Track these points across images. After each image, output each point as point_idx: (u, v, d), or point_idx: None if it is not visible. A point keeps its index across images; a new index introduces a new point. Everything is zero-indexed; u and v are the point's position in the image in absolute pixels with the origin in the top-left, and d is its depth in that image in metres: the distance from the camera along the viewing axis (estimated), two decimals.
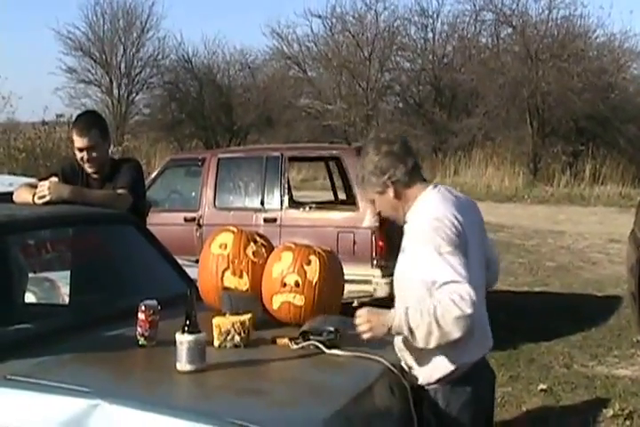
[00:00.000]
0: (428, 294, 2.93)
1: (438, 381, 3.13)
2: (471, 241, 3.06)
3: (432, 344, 2.94)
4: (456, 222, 3.02)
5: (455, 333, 2.88)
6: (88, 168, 4.63)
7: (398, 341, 3.19)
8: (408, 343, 3.10)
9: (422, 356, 3.12)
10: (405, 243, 3.15)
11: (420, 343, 2.96)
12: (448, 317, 2.86)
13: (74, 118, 5.00)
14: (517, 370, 7.01)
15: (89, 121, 4.75)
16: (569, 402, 6.26)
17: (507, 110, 27.79)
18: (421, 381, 3.17)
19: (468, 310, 2.84)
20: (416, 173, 3.21)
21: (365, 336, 3.09)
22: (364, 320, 3.08)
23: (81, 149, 4.59)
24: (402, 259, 3.18)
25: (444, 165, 26.30)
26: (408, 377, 3.20)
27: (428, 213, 3.07)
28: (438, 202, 3.13)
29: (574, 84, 26.08)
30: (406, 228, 3.17)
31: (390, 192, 3.19)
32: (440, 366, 3.10)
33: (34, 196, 4.13)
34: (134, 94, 35.29)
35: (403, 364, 3.23)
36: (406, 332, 2.96)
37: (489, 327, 3.29)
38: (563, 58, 26.73)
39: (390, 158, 3.16)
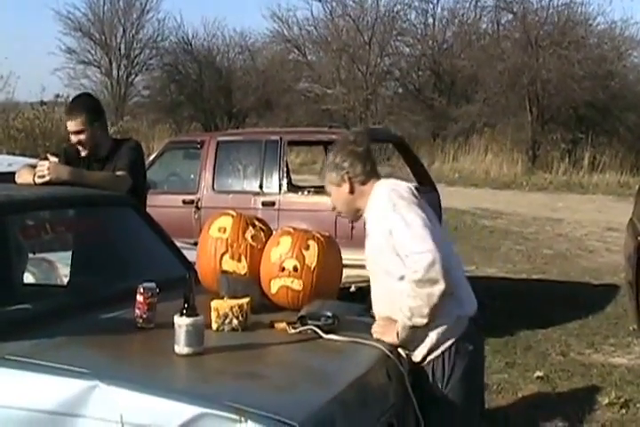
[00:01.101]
0: (401, 263, 3.15)
1: (440, 344, 3.23)
2: (427, 210, 3.27)
3: (429, 309, 3.11)
4: (410, 191, 3.29)
5: (439, 287, 3.06)
6: (81, 151, 4.64)
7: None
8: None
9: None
10: (369, 226, 3.39)
11: (424, 315, 3.13)
12: (421, 297, 3.09)
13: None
14: (514, 357, 7.03)
15: (78, 105, 4.75)
16: (565, 390, 6.28)
17: (506, 97, 27.74)
18: (425, 351, 3.25)
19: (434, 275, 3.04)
20: (373, 173, 3.46)
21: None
22: (376, 329, 3.31)
23: (72, 133, 4.64)
24: (368, 242, 3.39)
25: (443, 151, 26.27)
26: (404, 361, 3.22)
27: (384, 190, 3.32)
28: (392, 183, 3.38)
29: (574, 71, 26.03)
30: (366, 216, 3.42)
31: (346, 187, 3.43)
32: (443, 317, 3.20)
33: (34, 176, 4.12)
34: (133, 76, 35.30)
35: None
36: (411, 320, 3.16)
37: (471, 291, 3.42)
38: (563, 45, 26.68)
39: (352, 158, 3.43)
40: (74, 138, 4.63)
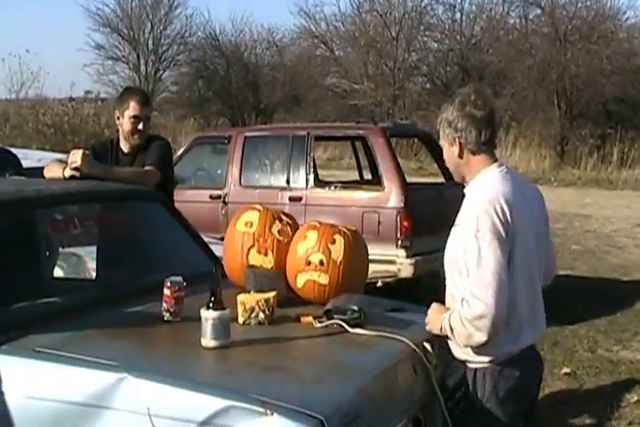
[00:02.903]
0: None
1: (483, 361, 3.09)
2: (522, 229, 3.01)
3: (466, 344, 3.01)
4: (506, 208, 2.97)
5: (479, 336, 2.93)
6: (136, 139, 4.71)
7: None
8: None
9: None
10: (459, 220, 3.09)
11: (460, 343, 3.03)
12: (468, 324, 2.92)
13: (124, 91, 5.07)
14: (541, 353, 6.83)
15: (147, 95, 4.99)
16: (592, 386, 6.24)
17: (534, 92, 27.59)
18: (467, 358, 3.14)
19: (482, 329, 2.89)
20: (488, 145, 3.15)
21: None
22: (427, 319, 3.17)
23: (137, 118, 4.68)
24: (453, 237, 3.11)
25: None
26: (430, 355, 3.20)
27: (483, 195, 3.04)
28: (497, 183, 3.09)
29: (603, 66, 25.84)
30: (464, 203, 3.13)
31: (455, 150, 3.16)
32: (488, 348, 3.03)
33: (64, 170, 4.15)
34: (161, 71, 35.48)
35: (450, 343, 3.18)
36: (449, 334, 3.02)
37: (541, 314, 3.27)
38: (592, 40, 26.48)
39: (468, 121, 3.10)
40: (137, 124, 4.67)
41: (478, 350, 3.05)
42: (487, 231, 2.91)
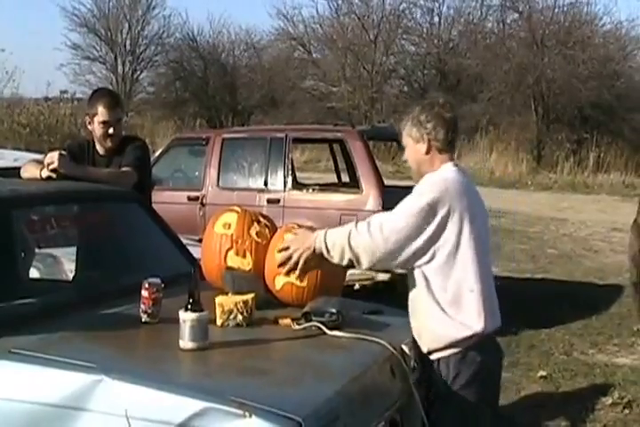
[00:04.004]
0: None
1: (448, 347, 3.19)
2: (473, 215, 3.19)
3: (345, 262, 3.24)
4: (455, 190, 3.18)
5: (364, 260, 3.19)
6: (109, 142, 4.65)
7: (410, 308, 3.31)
8: (414, 310, 3.28)
9: (432, 317, 3.21)
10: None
11: (336, 261, 3.25)
12: (359, 240, 3.17)
13: (93, 94, 4.95)
14: (517, 356, 7.03)
15: (116, 96, 4.85)
16: (568, 389, 6.28)
17: (511, 96, 27.73)
18: (430, 347, 3.23)
19: (380, 244, 3.14)
20: (451, 146, 3.36)
21: (291, 262, 3.36)
22: (286, 246, 3.39)
23: (107, 123, 4.61)
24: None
25: None
26: (409, 358, 3.22)
27: (440, 176, 3.26)
28: (456, 173, 3.29)
29: (580, 71, 26.03)
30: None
31: (423, 147, 3.32)
32: (449, 329, 3.18)
33: (41, 170, 4.12)
34: (139, 72, 35.35)
35: (414, 334, 3.29)
36: (324, 251, 3.26)
37: (497, 306, 3.36)
38: (568, 45, 26.68)
39: (437, 121, 3.30)
40: (108, 129, 4.60)
41: (439, 339, 3.19)
42: (427, 197, 3.13)
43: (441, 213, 3.12)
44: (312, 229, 3.50)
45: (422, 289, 3.21)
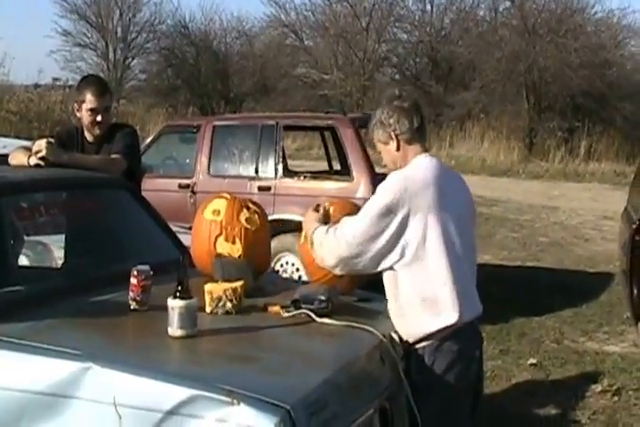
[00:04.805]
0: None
1: (423, 339, 3.21)
2: (439, 210, 3.19)
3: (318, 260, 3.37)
4: (419, 187, 3.18)
5: (329, 261, 3.30)
6: (97, 130, 4.63)
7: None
8: (390, 307, 3.30)
9: (405, 314, 3.23)
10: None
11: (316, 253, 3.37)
12: (326, 242, 3.28)
13: (81, 81, 4.92)
14: (508, 344, 7.04)
15: (104, 84, 4.79)
16: (558, 377, 6.29)
17: (503, 84, 27.67)
18: (406, 338, 3.25)
19: (344, 253, 3.22)
20: (420, 134, 3.37)
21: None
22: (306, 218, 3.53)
23: (95, 110, 4.58)
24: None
25: (440, 138, 26.18)
26: (398, 346, 3.23)
27: (405, 172, 3.27)
28: (422, 168, 3.28)
29: (571, 59, 25.97)
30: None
31: (393, 144, 3.35)
32: (423, 325, 3.20)
33: (29, 157, 4.10)
34: (130, 59, 35.18)
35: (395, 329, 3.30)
36: (309, 244, 3.39)
37: (476, 294, 3.37)
38: (560, 33, 26.61)
39: (398, 113, 3.33)
40: (96, 117, 4.58)
41: (413, 334, 3.22)
42: (385, 200, 3.16)
43: (401, 213, 3.14)
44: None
45: (394, 286, 3.25)
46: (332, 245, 3.25)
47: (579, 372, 6.41)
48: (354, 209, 3.58)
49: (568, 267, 10.69)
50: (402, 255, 3.17)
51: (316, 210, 3.55)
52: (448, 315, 3.17)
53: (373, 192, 3.14)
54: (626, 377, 6.21)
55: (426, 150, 3.38)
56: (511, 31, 27.95)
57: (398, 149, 3.35)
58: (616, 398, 5.79)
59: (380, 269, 3.24)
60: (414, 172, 3.25)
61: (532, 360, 6.56)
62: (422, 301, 3.18)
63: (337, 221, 3.37)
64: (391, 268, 3.21)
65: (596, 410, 5.57)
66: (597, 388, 5.98)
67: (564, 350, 6.95)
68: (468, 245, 3.32)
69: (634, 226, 6.38)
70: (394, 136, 3.34)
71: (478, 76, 28.48)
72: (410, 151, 3.34)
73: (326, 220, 3.49)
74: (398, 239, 3.16)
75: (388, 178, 3.27)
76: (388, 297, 3.31)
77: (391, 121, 3.33)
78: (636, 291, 6.38)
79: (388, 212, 3.14)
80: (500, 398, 5.70)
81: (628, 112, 26.95)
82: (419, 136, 3.36)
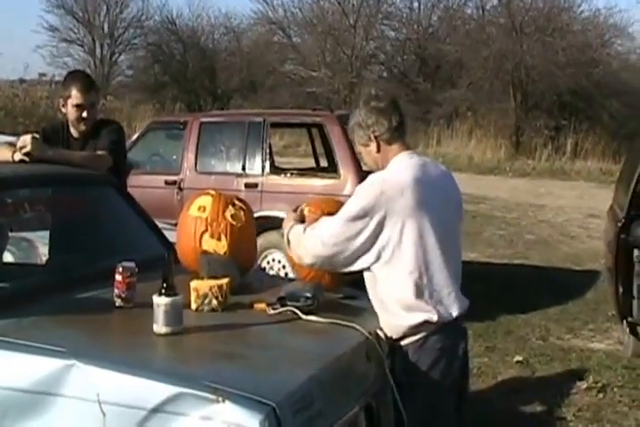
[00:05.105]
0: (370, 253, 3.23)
1: (407, 335, 3.21)
2: (418, 210, 3.16)
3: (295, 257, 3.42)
4: (395, 190, 3.14)
5: (307, 260, 3.32)
6: (82, 126, 4.61)
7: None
8: (373, 303, 3.30)
9: (385, 311, 3.24)
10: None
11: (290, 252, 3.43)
12: (304, 241, 3.30)
13: (67, 76, 4.86)
14: (494, 341, 7.05)
15: (90, 80, 4.76)
16: (544, 374, 6.31)
17: (491, 82, 27.74)
18: (390, 334, 3.26)
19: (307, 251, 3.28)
20: (400, 132, 3.34)
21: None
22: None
23: (80, 106, 4.56)
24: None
25: (427, 135, 26.21)
26: (383, 343, 3.23)
27: (383, 175, 3.24)
28: (402, 169, 3.25)
29: (558, 58, 26.05)
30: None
31: (373, 146, 3.33)
32: (403, 320, 3.20)
33: (14, 153, 4.07)
34: (117, 55, 35.08)
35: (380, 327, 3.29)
36: (286, 242, 3.43)
37: (459, 293, 3.35)
38: (547, 32, 26.70)
39: (376, 113, 3.30)
40: (81, 113, 4.56)
41: (395, 332, 3.22)
42: (362, 203, 3.16)
43: (377, 216, 3.13)
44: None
45: (373, 285, 3.26)
46: (309, 245, 3.28)
47: (564, 369, 6.43)
48: (335, 207, 3.56)
49: (554, 264, 10.73)
50: (378, 257, 3.17)
51: (295, 211, 3.59)
52: (424, 314, 3.17)
53: None
54: (611, 374, 6.23)
55: (408, 148, 3.36)
56: (498, 29, 28.01)
57: (379, 150, 3.33)
58: (601, 395, 5.81)
59: (357, 268, 3.24)
60: (393, 174, 3.22)
61: (518, 357, 6.58)
62: (399, 301, 3.18)
63: (316, 220, 3.38)
64: (369, 268, 3.22)
65: (581, 407, 5.59)
66: (583, 385, 6.01)
67: (550, 348, 6.97)
68: (451, 245, 3.30)
69: (619, 224, 6.39)
70: (373, 138, 3.31)
71: (466, 74, 28.52)
72: (390, 151, 3.32)
73: (302, 219, 3.50)
74: (374, 241, 3.16)
75: (367, 180, 3.25)
76: (369, 296, 3.31)
77: (369, 122, 3.30)
78: (621, 288, 6.40)
79: (364, 214, 3.14)
80: (487, 395, 5.71)
81: (614, 110, 27.04)
82: (398, 135, 3.33)
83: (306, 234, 3.30)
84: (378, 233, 3.15)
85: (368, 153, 3.39)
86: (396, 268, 3.16)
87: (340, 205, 3.50)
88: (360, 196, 3.21)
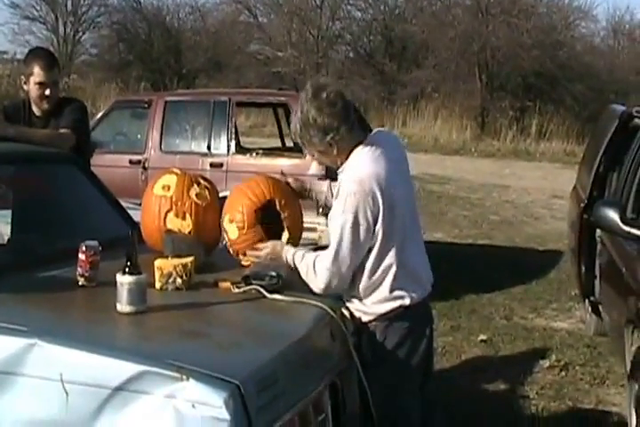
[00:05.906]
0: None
1: (376, 319, 3.22)
2: (395, 198, 3.14)
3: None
4: (375, 187, 3.08)
5: (318, 286, 3.19)
6: (45, 104, 4.55)
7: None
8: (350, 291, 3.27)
9: (358, 296, 3.24)
10: (337, 194, 3.23)
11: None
12: (311, 278, 3.21)
13: (29, 53, 4.78)
14: (458, 320, 7.10)
15: (53, 57, 4.70)
16: (508, 353, 6.38)
17: (456, 64, 27.81)
18: (359, 317, 3.27)
19: (322, 286, 3.18)
20: (356, 127, 3.23)
21: (259, 259, 3.39)
22: (265, 247, 3.39)
23: (43, 84, 4.51)
24: (334, 206, 3.24)
25: (393, 116, 26.25)
26: (348, 321, 3.23)
27: (355, 174, 3.14)
28: (366, 162, 3.17)
29: (523, 40, 26.19)
30: (339, 181, 3.25)
31: (334, 151, 3.21)
32: (374, 306, 3.22)
33: None
34: (81, 33, 34.52)
35: (346, 306, 3.30)
36: (292, 267, 3.29)
37: (428, 273, 3.38)
38: (513, 13, 26.81)
39: (333, 120, 3.12)
40: (44, 91, 4.50)
41: (367, 307, 3.23)
42: (351, 213, 3.07)
43: (364, 220, 3.09)
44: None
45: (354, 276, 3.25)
46: (319, 281, 3.18)
47: (527, 348, 6.49)
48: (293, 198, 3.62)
49: (518, 245, 10.82)
50: (370, 250, 3.18)
51: (283, 174, 3.62)
52: (399, 301, 3.19)
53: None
54: (573, 353, 6.31)
55: (365, 136, 3.24)
56: (464, 11, 28.07)
57: (339, 152, 3.21)
58: (563, 374, 5.88)
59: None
60: (359, 171, 3.13)
61: (482, 337, 6.63)
62: (373, 283, 3.19)
63: (303, 188, 3.57)
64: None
65: (543, 385, 5.65)
66: (545, 363, 6.07)
67: (514, 327, 7.03)
68: (415, 225, 3.33)
69: (582, 205, 6.45)
70: (334, 143, 3.16)
71: (431, 55, 28.58)
72: (348, 148, 3.21)
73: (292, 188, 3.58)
74: (369, 242, 3.15)
75: (343, 186, 3.15)
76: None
77: (327, 129, 3.12)
78: (583, 268, 6.46)
79: (356, 225, 3.08)
80: (451, 374, 5.75)
81: (577, 92, 27.26)
82: (355, 131, 3.21)
83: (317, 270, 3.18)
84: (371, 235, 3.12)
85: (326, 156, 3.26)
86: (371, 254, 3.16)
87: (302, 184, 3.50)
88: (344, 209, 3.09)
